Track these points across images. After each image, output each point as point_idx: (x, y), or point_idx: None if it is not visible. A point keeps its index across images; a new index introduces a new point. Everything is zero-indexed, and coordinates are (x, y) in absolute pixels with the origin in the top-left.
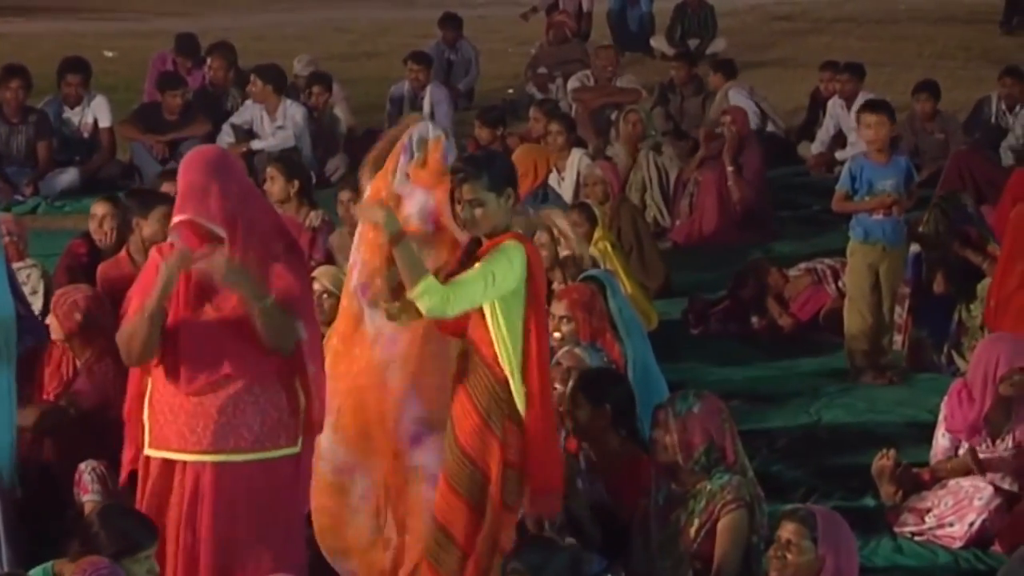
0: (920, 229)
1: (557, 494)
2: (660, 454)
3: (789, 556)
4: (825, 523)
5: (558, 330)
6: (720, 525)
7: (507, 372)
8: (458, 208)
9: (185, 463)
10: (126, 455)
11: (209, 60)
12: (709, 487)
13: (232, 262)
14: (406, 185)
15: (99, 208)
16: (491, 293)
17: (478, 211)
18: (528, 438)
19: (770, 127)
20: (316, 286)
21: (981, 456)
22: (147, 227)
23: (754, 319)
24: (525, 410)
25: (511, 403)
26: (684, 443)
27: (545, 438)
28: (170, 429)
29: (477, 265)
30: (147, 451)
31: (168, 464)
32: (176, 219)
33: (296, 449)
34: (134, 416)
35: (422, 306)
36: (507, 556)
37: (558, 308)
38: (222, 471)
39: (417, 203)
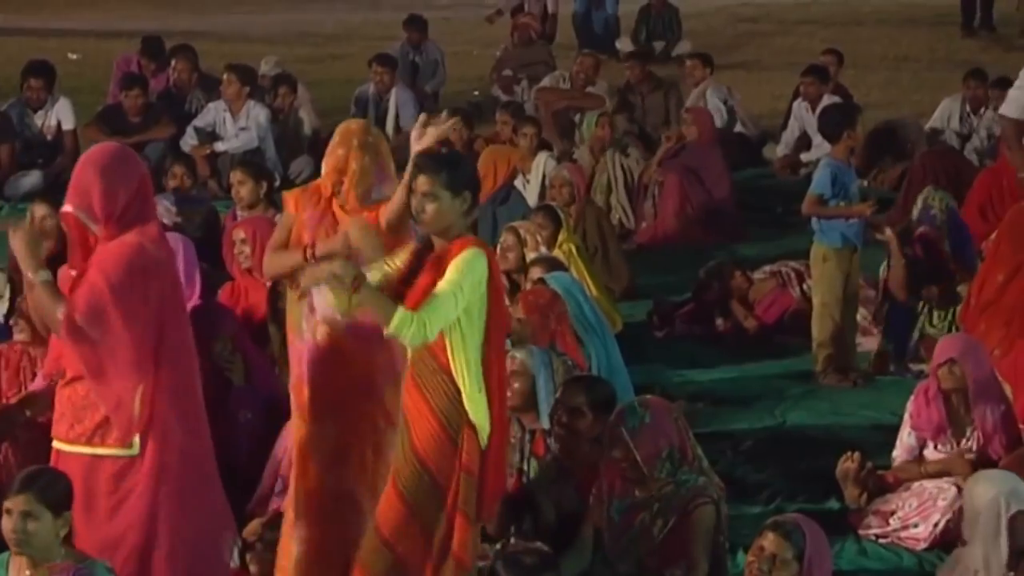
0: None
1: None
2: (624, 471)
3: (772, 571)
4: (812, 540)
5: (515, 333)
6: (691, 520)
7: (460, 380)
8: (412, 199)
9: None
10: None
11: (173, 62)
12: (676, 489)
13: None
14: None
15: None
16: (461, 306)
17: (430, 206)
18: (491, 444)
19: (738, 127)
20: None
21: (942, 455)
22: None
23: (719, 321)
24: (486, 415)
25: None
26: (646, 456)
27: (502, 443)
28: None
29: (444, 280)
30: None
31: None
32: (62, 209)
33: (126, 452)
34: None
35: (403, 339)
36: (492, 565)
37: (515, 311)
38: (59, 458)
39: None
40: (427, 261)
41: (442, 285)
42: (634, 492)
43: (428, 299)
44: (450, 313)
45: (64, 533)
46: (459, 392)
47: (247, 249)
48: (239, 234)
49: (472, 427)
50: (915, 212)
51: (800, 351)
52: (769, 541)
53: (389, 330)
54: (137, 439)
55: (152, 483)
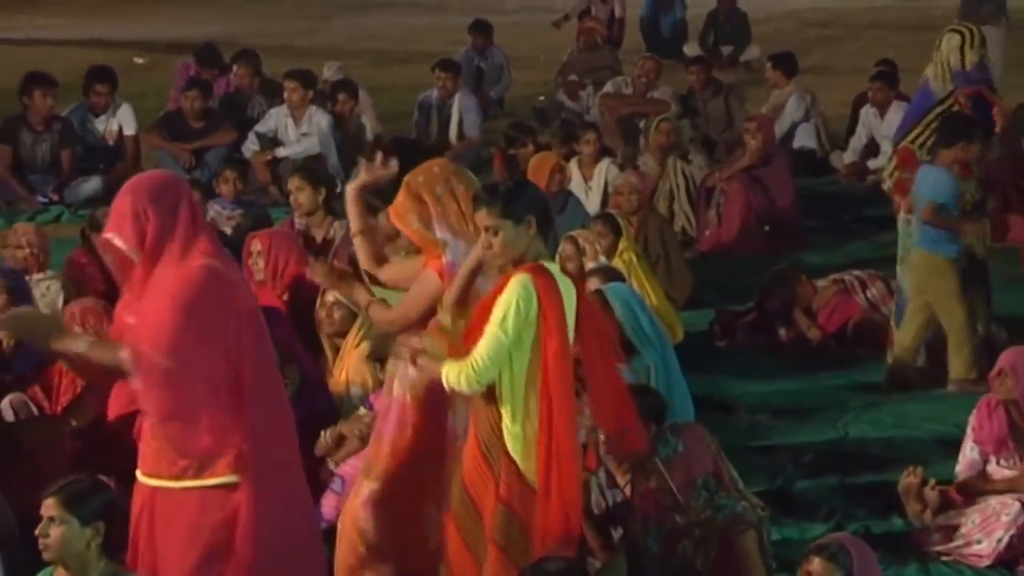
0: None
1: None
2: (660, 500)
3: None
4: (859, 560)
5: None
6: (735, 550)
7: (504, 411)
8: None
9: (139, 482)
10: None
11: (235, 67)
12: (714, 515)
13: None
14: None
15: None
16: (510, 340)
17: (495, 239)
18: (547, 486)
19: (809, 140)
20: (328, 297)
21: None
22: None
23: (781, 331)
24: (526, 452)
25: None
26: (681, 485)
27: (566, 488)
28: (140, 449)
29: (490, 319)
30: None
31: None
32: (102, 235)
33: (232, 479)
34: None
35: (461, 388)
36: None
37: None
38: (157, 495)
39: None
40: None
41: (488, 324)
42: (674, 518)
43: (477, 346)
44: (500, 351)
45: (96, 544)
46: (499, 420)
47: (261, 262)
48: (256, 246)
49: (511, 459)
50: None
51: (864, 361)
52: (815, 566)
53: (446, 384)
54: (237, 466)
55: (255, 511)
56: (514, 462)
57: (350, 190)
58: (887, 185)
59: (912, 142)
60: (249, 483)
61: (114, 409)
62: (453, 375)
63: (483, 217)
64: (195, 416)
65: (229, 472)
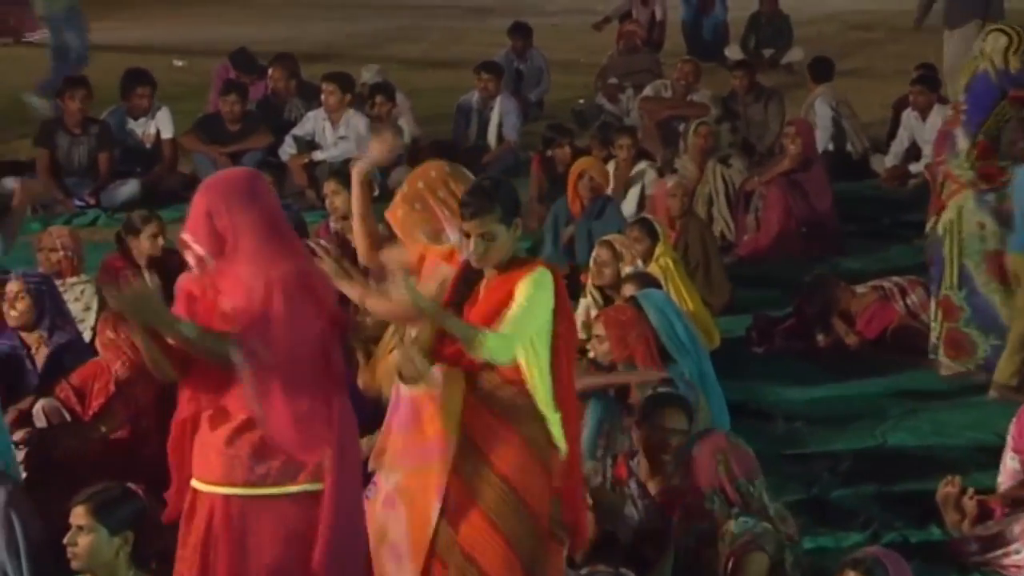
0: None
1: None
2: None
3: None
4: (895, 574)
5: (594, 350)
6: (740, 567)
7: (540, 401)
8: (466, 241)
9: (202, 492)
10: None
11: (271, 70)
12: (731, 529)
13: (125, 295)
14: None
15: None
16: (538, 323)
17: (490, 244)
18: (571, 463)
19: (848, 147)
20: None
21: None
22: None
23: (819, 337)
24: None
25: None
26: (690, 488)
27: (579, 462)
28: (198, 457)
29: (517, 301)
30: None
31: (194, 492)
32: (180, 236)
33: (317, 486)
34: (175, 445)
35: (494, 356)
36: None
37: (597, 328)
38: (231, 504)
39: None
40: (489, 285)
41: (517, 305)
42: (712, 516)
43: (507, 320)
44: (529, 330)
45: (125, 553)
46: (543, 415)
47: None
48: None
49: (555, 447)
50: None
51: (902, 368)
52: None
53: (479, 348)
54: (320, 473)
55: (335, 518)
56: (559, 452)
57: (357, 170)
58: (968, 176)
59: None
60: (331, 490)
61: (186, 410)
62: (489, 341)
63: (478, 225)
64: (287, 418)
65: (312, 480)
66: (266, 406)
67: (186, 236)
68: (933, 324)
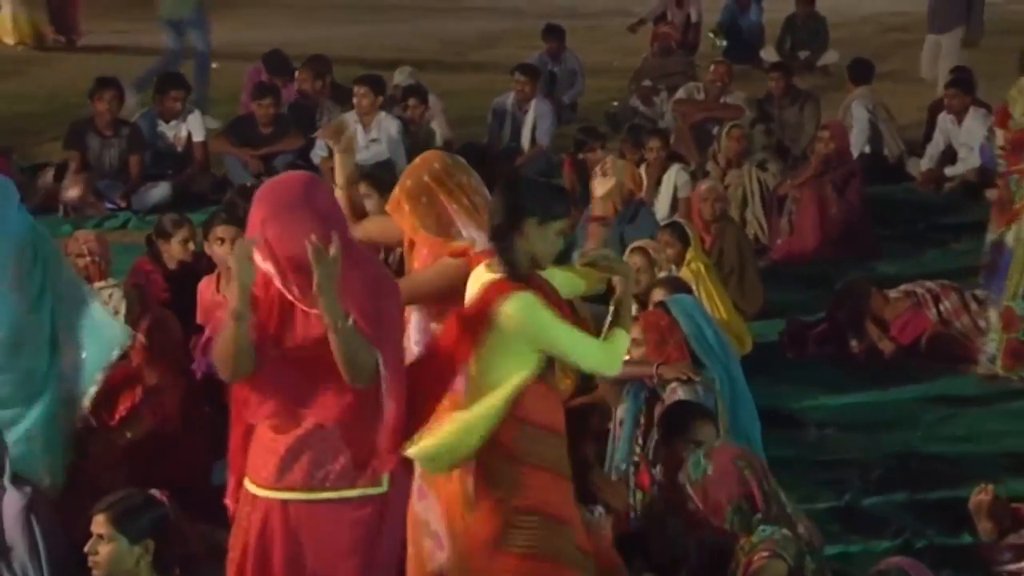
0: None
1: None
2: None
3: None
4: None
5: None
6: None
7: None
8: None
9: (258, 497)
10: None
11: (296, 72)
12: (752, 539)
13: (330, 264)
14: None
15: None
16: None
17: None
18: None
19: (884, 150)
20: None
21: None
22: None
23: (853, 342)
24: None
25: None
26: (712, 507)
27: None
28: (254, 460)
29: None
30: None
31: (247, 496)
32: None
33: (377, 490)
34: (238, 447)
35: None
36: None
37: (634, 330)
38: (288, 508)
39: None
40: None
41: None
42: (730, 532)
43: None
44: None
45: (146, 562)
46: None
47: None
48: None
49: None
50: None
51: (936, 375)
52: None
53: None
54: (386, 475)
55: (392, 522)
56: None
57: (345, 136)
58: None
59: None
60: (392, 493)
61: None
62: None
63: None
64: (402, 425)
65: (371, 484)
66: (395, 412)
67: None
68: (992, 335)
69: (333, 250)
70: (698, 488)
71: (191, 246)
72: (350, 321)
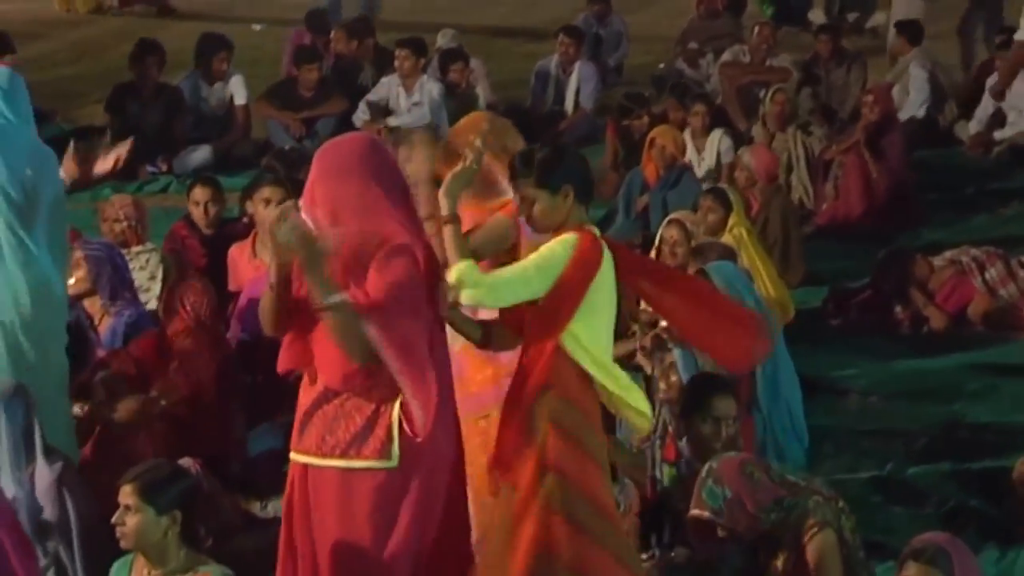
0: None
1: None
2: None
3: None
4: (960, 562)
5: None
6: (810, 552)
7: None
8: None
9: (294, 459)
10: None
11: (332, 32)
12: (787, 516)
13: (313, 244)
14: None
15: (200, 194)
16: (531, 286)
17: (531, 208)
18: None
19: (937, 113)
20: None
21: None
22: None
23: (897, 309)
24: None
25: None
26: (747, 527)
27: None
28: (296, 424)
29: (524, 261)
30: None
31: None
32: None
33: (384, 464)
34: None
35: (463, 288)
36: None
37: None
38: (307, 472)
39: None
40: (528, 248)
41: (523, 261)
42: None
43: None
44: (515, 286)
45: (174, 533)
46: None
47: None
48: None
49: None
50: None
51: (982, 343)
52: (913, 571)
53: (451, 276)
54: (396, 450)
55: (417, 500)
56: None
57: None
58: None
59: None
60: (408, 469)
61: (285, 363)
62: (461, 273)
63: (519, 186)
64: (372, 391)
65: (378, 458)
66: (412, 391)
67: (301, 203)
68: None
69: (292, 219)
70: (724, 514)
71: (209, 209)
72: (339, 298)
